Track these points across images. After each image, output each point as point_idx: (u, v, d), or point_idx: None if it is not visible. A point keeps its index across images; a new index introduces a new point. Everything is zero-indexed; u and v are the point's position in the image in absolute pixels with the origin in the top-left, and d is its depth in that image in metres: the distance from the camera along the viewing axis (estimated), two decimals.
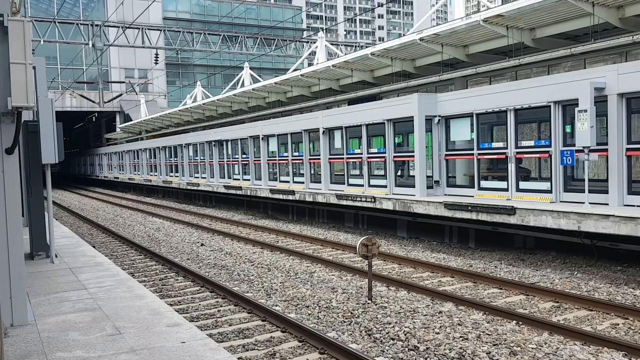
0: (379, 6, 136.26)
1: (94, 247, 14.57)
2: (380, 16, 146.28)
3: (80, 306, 7.33)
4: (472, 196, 13.76)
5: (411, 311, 8.73)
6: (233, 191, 25.24)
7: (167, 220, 23.62)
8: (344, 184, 18.12)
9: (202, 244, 16.49)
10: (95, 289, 8.33)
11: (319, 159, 19.17)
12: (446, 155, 14.73)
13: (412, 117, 14.72)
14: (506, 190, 12.94)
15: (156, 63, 41.30)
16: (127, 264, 13.70)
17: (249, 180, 24.46)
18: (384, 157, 16.12)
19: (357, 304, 9.24)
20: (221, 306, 9.45)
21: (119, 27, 39.18)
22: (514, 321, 8.04)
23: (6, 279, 6.31)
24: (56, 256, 11.08)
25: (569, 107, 11.49)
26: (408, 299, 9.50)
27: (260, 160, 23.22)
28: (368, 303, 9.26)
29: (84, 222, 24.33)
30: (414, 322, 8.11)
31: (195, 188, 30.28)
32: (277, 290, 10.47)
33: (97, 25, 37.00)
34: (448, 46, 16.93)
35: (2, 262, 6.30)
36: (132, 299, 7.70)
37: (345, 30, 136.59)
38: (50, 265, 10.53)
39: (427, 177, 14.90)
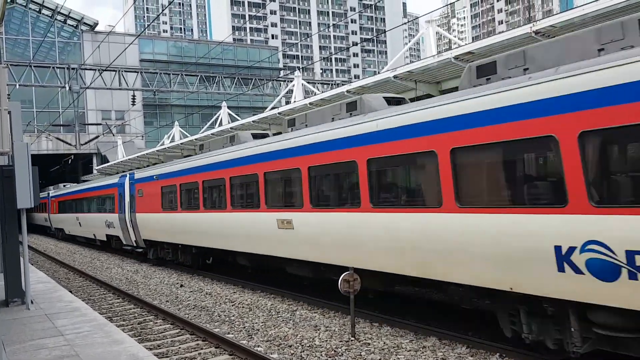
0: (353, 45, 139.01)
1: (70, 291, 14.28)
2: (355, 54, 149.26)
3: (56, 353, 7.16)
4: None
5: (395, 347, 8.68)
6: None
7: (145, 262, 23.27)
8: None
9: (181, 285, 16.25)
10: (72, 335, 8.15)
11: None
12: None
13: None
14: None
15: (133, 104, 41.37)
16: (105, 308, 13.42)
17: None
18: None
19: (341, 341, 9.17)
20: (202, 349, 9.29)
21: (95, 69, 39.29)
22: (498, 354, 8.04)
23: None
24: (32, 302, 10.84)
25: None
26: (392, 335, 9.45)
27: None
28: (351, 340, 9.19)
29: (60, 266, 23.84)
30: (398, 358, 8.06)
31: None
32: (258, 330, 10.34)
33: (73, 68, 37.07)
34: (422, 83, 17.31)
35: None
36: (110, 344, 7.54)
37: (321, 69, 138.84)
38: (26, 311, 10.29)
39: None
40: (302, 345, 9.07)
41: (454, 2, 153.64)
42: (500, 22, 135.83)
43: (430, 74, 16.56)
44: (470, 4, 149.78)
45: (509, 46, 13.86)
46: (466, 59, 14.89)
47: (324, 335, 9.63)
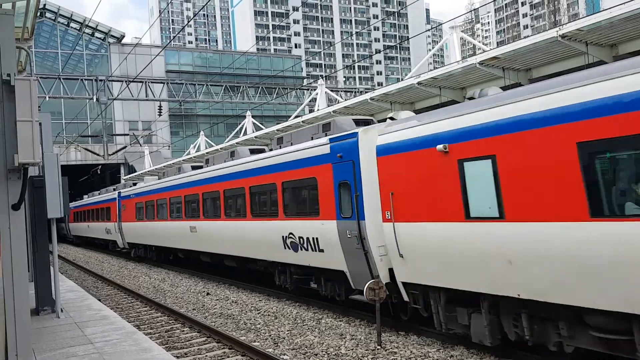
0: (376, 53, 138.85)
1: (99, 300, 14.46)
2: (378, 62, 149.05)
3: None
4: None
5: (422, 356, 8.58)
6: None
7: (172, 271, 23.48)
8: None
9: (207, 293, 16.35)
10: (102, 343, 8.24)
11: None
12: None
13: None
14: None
15: (159, 115, 41.95)
16: (133, 316, 13.56)
17: None
18: None
19: (367, 350, 9.09)
20: (228, 357, 9.31)
21: (122, 81, 39.99)
22: None
23: (12, 336, 6.26)
24: (62, 311, 11.01)
25: None
26: (418, 344, 9.34)
27: None
28: (378, 349, 9.11)
29: (89, 275, 24.20)
30: None
31: None
32: (284, 338, 10.33)
33: (101, 80, 37.79)
34: (446, 89, 17.19)
35: (9, 319, 6.27)
36: (138, 352, 7.61)
37: (344, 77, 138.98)
38: (56, 320, 10.45)
39: None
40: (328, 354, 9.02)
41: (478, 8, 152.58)
42: (525, 27, 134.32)
43: (454, 79, 16.43)
44: (495, 9, 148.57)
45: (535, 50, 13.69)
46: (492, 64, 14.75)
47: (350, 343, 9.57)
